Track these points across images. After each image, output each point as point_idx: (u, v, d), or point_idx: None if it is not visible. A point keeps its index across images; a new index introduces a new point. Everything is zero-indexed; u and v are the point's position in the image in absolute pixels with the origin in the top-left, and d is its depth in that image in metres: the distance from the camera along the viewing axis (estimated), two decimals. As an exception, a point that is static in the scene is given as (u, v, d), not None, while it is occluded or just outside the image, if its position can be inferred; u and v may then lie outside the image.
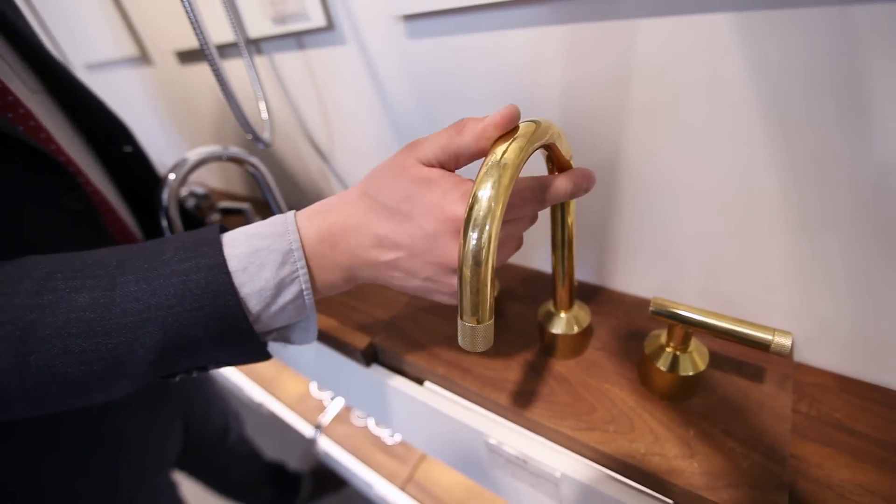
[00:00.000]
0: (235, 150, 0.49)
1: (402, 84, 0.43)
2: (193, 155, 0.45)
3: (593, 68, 0.32)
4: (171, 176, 0.43)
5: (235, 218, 0.70)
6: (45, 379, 0.23)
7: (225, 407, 0.81)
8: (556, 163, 0.28)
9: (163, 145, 0.92)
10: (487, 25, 0.35)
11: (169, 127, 0.86)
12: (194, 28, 0.38)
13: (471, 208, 0.21)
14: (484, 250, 0.21)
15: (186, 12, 0.37)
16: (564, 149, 0.27)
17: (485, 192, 0.21)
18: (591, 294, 0.44)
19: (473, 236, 0.21)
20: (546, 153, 0.27)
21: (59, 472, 0.37)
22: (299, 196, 0.71)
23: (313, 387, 1.05)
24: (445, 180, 0.24)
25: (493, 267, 0.21)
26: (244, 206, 0.60)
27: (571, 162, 0.28)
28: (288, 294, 0.25)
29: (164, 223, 0.44)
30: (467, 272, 0.21)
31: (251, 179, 0.79)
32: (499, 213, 0.21)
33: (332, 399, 1.01)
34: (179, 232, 0.45)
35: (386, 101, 0.46)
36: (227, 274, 0.24)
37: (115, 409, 0.40)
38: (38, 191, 0.34)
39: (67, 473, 0.37)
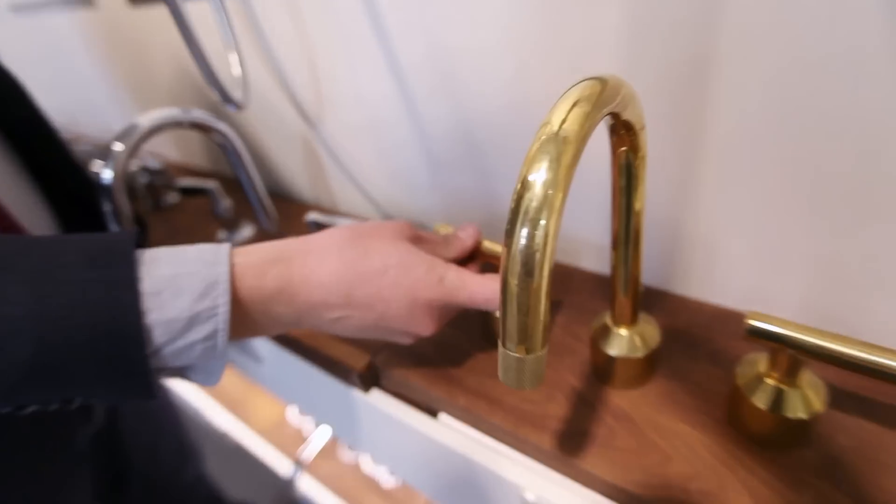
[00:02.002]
0: (200, 114, 0.47)
1: (411, 28, 0.42)
2: (147, 120, 0.44)
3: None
4: (118, 146, 0.42)
5: (199, 200, 0.69)
6: None
7: (181, 438, 0.82)
8: (624, 135, 0.26)
9: (107, 107, 0.91)
10: None
11: (115, 85, 0.85)
12: None
13: (519, 197, 0.19)
14: (538, 253, 0.19)
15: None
16: (637, 115, 0.25)
17: (538, 176, 0.19)
18: (654, 301, 0.42)
19: (523, 234, 0.19)
20: (612, 121, 0.25)
21: None
22: (277, 171, 0.70)
23: (292, 411, 1.05)
24: (429, 259, 0.32)
25: (549, 276, 0.20)
26: (210, 184, 0.59)
27: (643, 134, 0.26)
28: (200, 332, 0.26)
29: (107, 207, 0.43)
30: (513, 283, 0.19)
31: (218, 151, 0.78)
32: (558, 202, 0.19)
33: (316, 427, 1.01)
34: (126, 219, 0.45)
35: (391, 52, 0.44)
36: (136, 293, 0.25)
37: None
38: None
39: None
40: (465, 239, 0.37)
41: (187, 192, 0.62)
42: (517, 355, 0.20)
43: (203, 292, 0.26)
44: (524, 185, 0.19)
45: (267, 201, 0.53)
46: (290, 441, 0.99)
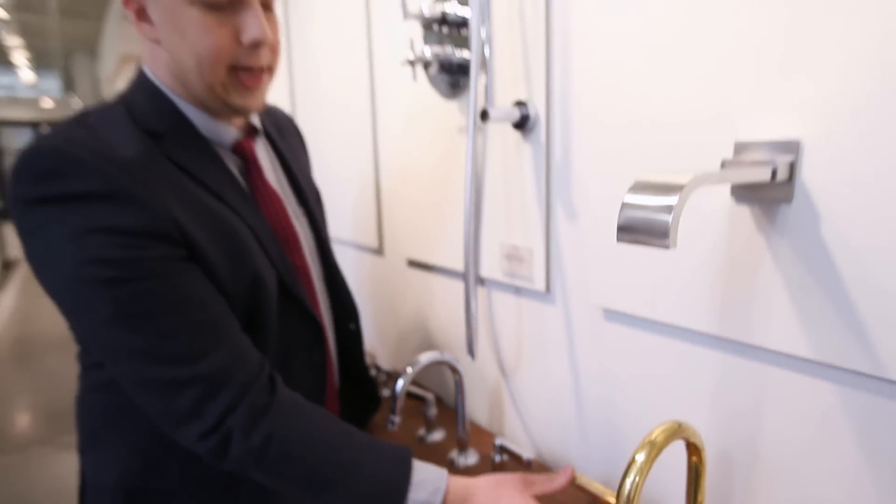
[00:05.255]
0: (451, 358, 0.91)
1: (593, 353, 0.82)
2: (426, 357, 0.89)
3: (737, 404, 0.65)
4: (409, 370, 0.87)
5: (413, 402, 1.12)
6: None
7: None
8: (693, 450, 0.59)
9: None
10: (669, 334, 0.72)
11: (372, 313, 1.41)
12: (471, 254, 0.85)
13: (630, 463, 0.54)
14: (633, 491, 0.53)
15: (467, 246, 0.85)
16: (700, 442, 0.59)
17: (639, 457, 0.54)
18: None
19: (627, 482, 0.53)
20: (686, 443, 0.59)
21: None
22: (476, 403, 1.11)
23: None
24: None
25: (638, 500, 0.53)
26: (429, 395, 1.01)
27: (704, 452, 0.60)
28: None
29: (399, 404, 0.86)
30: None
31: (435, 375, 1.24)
32: (645, 470, 0.53)
33: None
34: (399, 412, 0.87)
35: (575, 362, 0.85)
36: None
37: None
38: (299, 341, 0.80)
39: None
40: (563, 478, 0.73)
41: (410, 395, 1.05)
42: (617, 537, 0.53)
43: None
44: (633, 461, 0.54)
45: (467, 422, 0.92)
46: None
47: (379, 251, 1.34)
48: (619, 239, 0.48)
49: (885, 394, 0.52)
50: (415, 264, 1.22)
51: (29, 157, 0.63)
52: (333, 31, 1.36)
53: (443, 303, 1.15)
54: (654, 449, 0.55)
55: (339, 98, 1.38)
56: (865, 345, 0.51)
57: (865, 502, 0.54)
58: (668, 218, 0.44)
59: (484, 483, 0.70)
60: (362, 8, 1.23)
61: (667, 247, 0.45)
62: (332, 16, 1.35)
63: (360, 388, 0.99)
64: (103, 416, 0.77)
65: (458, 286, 1.08)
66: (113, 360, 0.66)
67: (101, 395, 0.76)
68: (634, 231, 0.47)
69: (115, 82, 6.42)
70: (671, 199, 0.45)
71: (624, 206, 0.47)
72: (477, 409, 1.09)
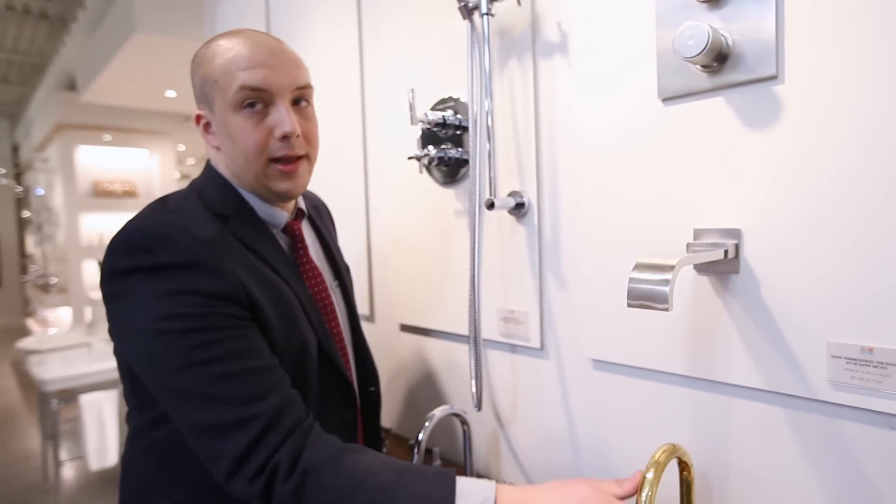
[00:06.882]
0: (460, 409, 1.03)
1: (584, 397, 0.97)
2: (440, 411, 1.00)
3: (706, 429, 0.81)
4: (427, 423, 0.98)
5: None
6: None
7: None
8: (684, 465, 0.75)
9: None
10: (649, 377, 0.88)
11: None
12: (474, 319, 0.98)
13: (643, 479, 0.68)
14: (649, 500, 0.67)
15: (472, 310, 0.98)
16: (689, 459, 0.75)
17: (649, 476, 0.68)
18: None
19: (644, 495, 0.67)
20: (678, 460, 0.75)
21: None
22: (475, 451, 1.21)
23: None
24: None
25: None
26: (435, 448, 1.11)
27: (692, 468, 0.75)
28: None
29: (421, 452, 0.96)
30: (639, 510, 0.67)
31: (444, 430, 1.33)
32: (656, 483, 0.68)
33: None
34: (422, 456, 0.97)
35: (569, 405, 0.99)
36: None
37: None
38: (333, 400, 0.89)
39: None
40: (630, 483, 0.71)
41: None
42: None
43: None
44: (644, 479, 0.69)
45: (474, 468, 1.03)
46: None
47: (370, 318, 1.45)
48: (629, 305, 0.64)
49: (814, 410, 0.70)
50: (407, 328, 1.34)
51: (125, 235, 0.74)
52: (331, 124, 1.51)
53: (435, 362, 1.27)
54: (660, 467, 0.69)
55: (336, 183, 1.51)
56: (797, 373, 0.70)
57: (813, 498, 0.71)
58: (667, 289, 0.61)
59: (544, 487, 0.70)
60: (357, 108, 1.40)
61: (666, 310, 0.61)
62: (330, 116, 1.51)
63: (372, 444, 1.08)
64: (151, 477, 0.82)
65: (450, 346, 1.21)
66: (178, 406, 0.72)
67: (152, 456, 0.82)
68: (640, 298, 0.63)
69: (47, 147, 6.18)
70: (667, 276, 0.62)
71: (631, 280, 0.64)
72: (476, 456, 1.20)
